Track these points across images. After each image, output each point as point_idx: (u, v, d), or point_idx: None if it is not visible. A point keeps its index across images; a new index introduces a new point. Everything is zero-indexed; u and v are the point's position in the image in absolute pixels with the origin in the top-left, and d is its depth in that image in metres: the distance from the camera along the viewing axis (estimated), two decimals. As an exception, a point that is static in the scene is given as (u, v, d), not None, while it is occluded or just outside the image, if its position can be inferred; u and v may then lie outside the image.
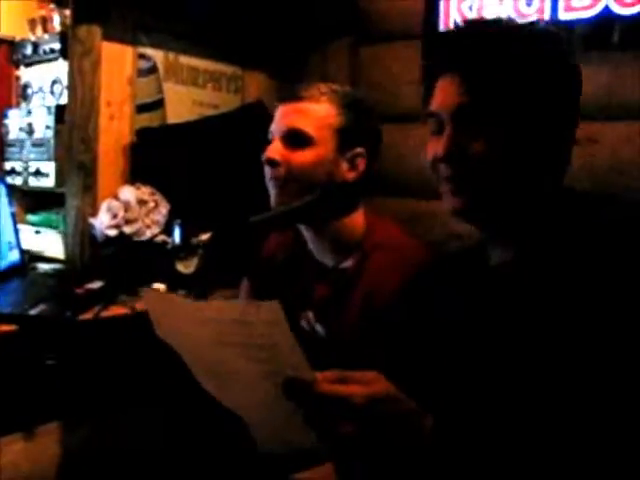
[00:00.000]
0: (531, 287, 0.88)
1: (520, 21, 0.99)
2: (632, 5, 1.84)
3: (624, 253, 0.82)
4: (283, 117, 1.33)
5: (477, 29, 0.96)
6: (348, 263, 1.34)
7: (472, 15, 2.13)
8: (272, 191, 1.34)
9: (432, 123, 0.96)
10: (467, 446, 0.79)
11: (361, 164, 1.34)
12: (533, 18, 2.01)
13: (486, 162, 0.89)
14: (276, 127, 1.34)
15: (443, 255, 1.28)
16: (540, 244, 0.92)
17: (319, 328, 1.36)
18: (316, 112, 1.31)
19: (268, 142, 1.36)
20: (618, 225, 0.87)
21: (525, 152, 0.90)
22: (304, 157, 1.30)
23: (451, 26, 2.17)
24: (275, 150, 1.32)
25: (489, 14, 2.09)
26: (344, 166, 1.33)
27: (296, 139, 1.31)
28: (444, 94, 0.93)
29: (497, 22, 0.97)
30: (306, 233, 1.39)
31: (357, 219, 1.36)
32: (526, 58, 0.90)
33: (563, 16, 1.96)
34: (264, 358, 0.81)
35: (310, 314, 1.38)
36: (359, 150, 1.34)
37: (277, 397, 0.79)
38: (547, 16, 1.98)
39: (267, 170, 1.34)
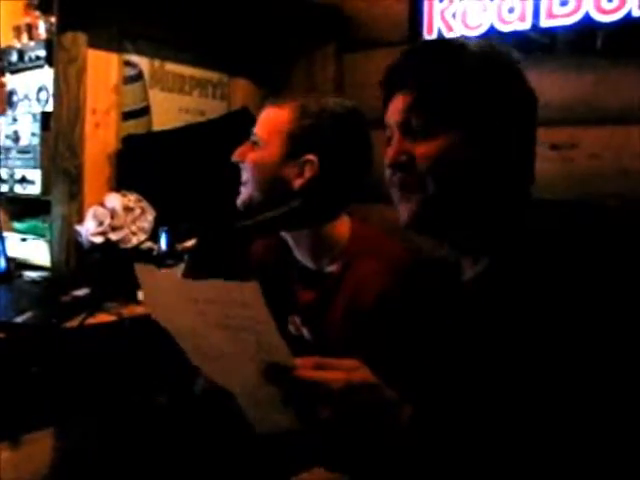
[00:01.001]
0: (501, 301, 0.89)
1: (474, 38, 1.03)
2: (612, 12, 1.86)
3: (591, 263, 0.83)
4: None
5: (423, 49, 1.03)
6: (332, 268, 1.35)
7: (455, 23, 2.16)
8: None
9: (387, 134, 1.00)
10: (442, 437, 0.80)
11: (308, 171, 1.33)
12: (515, 25, 2.04)
13: (432, 164, 0.92)
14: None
15: (422, 263, 1.30)
16: (506, 256, 0.92)
17: (305, 332, 1.37)
18: (272, 117, 1.36)
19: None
20: (587, 235, 0.87)
21: (470, 159, 0.92)
22: (250, 157, 1.37)
23: (434, 33, 2.20)
24: (240, 151, 1.39)
25: (472, 21, 2.12)
26: (292, 171, 1.33)
27: (253, 142, 1.37)
28: (395, 106, 0.98)
29: (445, 42, 1.03)
30: (290, 239, 1.40)
31: (341, 225, 1.37)
32: (469, 72, 0.94)
33: (544, 23, 1.99)
34: (246, 339, 0.82)
35: (297, 319, 1.39)
36: (309, 157, 1.33)
37: (260, 379, 0.81)
38: (529, 23, 2.01)
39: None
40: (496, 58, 0.97)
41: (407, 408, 0.82)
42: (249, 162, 1.36)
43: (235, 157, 1.39)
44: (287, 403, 0.80)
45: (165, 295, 0.89)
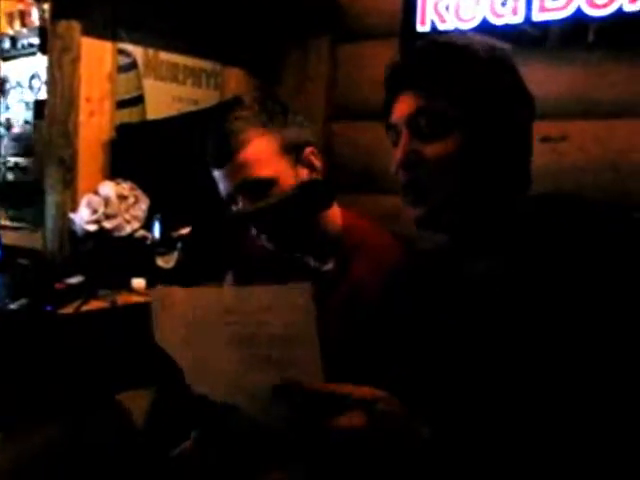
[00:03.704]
0: (508, 296, 0.90)
1: (472, 36, 1.03)
2: (604, 7, 1.88)
3: (590, 256, 0.85)
4: (232, 177, 1.27)
5: (431, 49, 1.00)
6: (329, 266, 1.34)
7: (449, 15, 2.17)
8: (264, 241, 1.32)
9: (392, 135, 0.99)
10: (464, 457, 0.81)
11: (315, 160, 1.33)
12: (508, 18, 2.05)
13: (441, 164, 0.92)
14: (231, 189, 1.28)
15: (418, 255, 1.30)
16: (510, 252, 0.93)
17: None
18: (255, 153, 1.26)
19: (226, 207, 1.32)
20: (584, 230, 0.88)
21: (478, 157, 0.93)
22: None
23: (427, 26, 2.21)
24: (243, 210, 1.27)
25: (465, 14, 2.13)
26: (304, 173, 1.31)
27: (257, 189, 1.25)
28: (401, 107, 0.96)
29: (450, 42, 1.01)
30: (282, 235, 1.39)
31: (333, 217, 1.35)
32: (478, 75, 0.95)
33: (537, 17, 2.00)
34: (269, 354, 0.79)
35: None
36: (309, 149, 1.32)
37: (269, 392, 0.78)
38: (521, 16, 2.03)
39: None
40: (501, 61, 0.98)
41: (424, 428, 0.81)
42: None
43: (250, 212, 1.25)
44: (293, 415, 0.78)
45: (186, 314, 0.85)
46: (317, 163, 1.33)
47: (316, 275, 1.35)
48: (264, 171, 1.26)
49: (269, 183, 1.26)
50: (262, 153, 1.27)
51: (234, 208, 1.31)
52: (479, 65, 0.96)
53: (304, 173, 1.31)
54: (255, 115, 1.30)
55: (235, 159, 1.26)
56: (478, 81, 0.94)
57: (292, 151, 1.29)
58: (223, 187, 1.30)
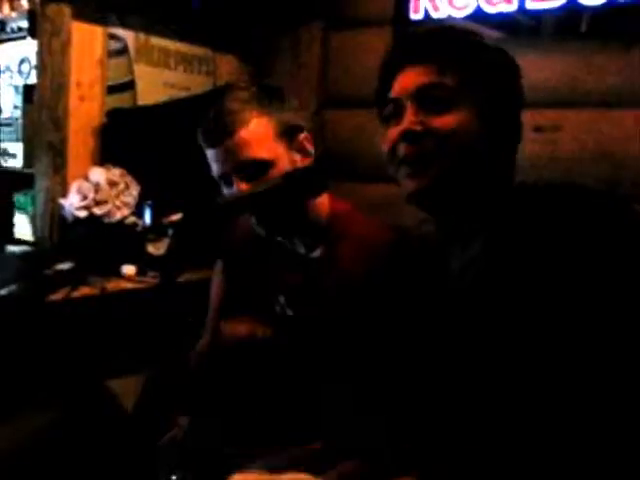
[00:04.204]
0: (495, 286, 0.89)
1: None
2: (598, -5, 1.88)
3: (578, 247, 0.85)
4: (228, 157, 1.27)
5: (442, 29, 1.04)
6: (317, 253, 1.34)
7: (442, 4, 2.16)
8: (255, 226, 1.31)
9: (389, 110, 1.00)
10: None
11: (309, 146, 1.33)
12: (502, 6, 2.04)
13: (450, 136, 0.93)
14: (227, 169, 1.27)
15: (403, 242, 1.30)
16: (497, 241, 0.93)
17: (289, 312, 1.38)
18: (254, 134, 1.25)
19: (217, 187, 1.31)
20: (572, 219, 0.88)
21: (484, 131, 0.95)
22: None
23: (421, 13, 2.20)
24: (239, 189, 1.26)
25: (459, 2, 2.12)
26: (297, 158, 1.31)
27: (254, 171, 1.25)
28: (407, 81, 0.97)
29: (452, 26, 1.05)
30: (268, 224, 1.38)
31: (320, 204, 1.35)
32: (485, 54, 1.00)
33: (530, 5, 1.99)
34: None
35: (282, 298, 1.39)
36: (303, 135, 1.33)
37: None
38: (515, 5, 2.02)
39: None
40: (504, 50, 1.02)
41: None
42: None
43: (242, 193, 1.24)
44: None
45: None
46: (310, 148, 1.33)
47: (305, 262, 1.36)
48: (262, 152, 1.26)
49: (266, 165, 1.25)
50: (260, 134, 1.26)
51: (226, 189, 1.31)
52: (487, 48, 1.00)
53: (297, 158, 1.31)
54: (253, 97, 1.29)
55: (233, 138, 1.25)
56: (486, 62, 0.98)
57: (287, 135, 1.29)
58: (218, 167, 1.29)
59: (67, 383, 1.70)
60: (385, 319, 1.17)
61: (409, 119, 0.95)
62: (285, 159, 1.28)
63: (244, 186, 1.25)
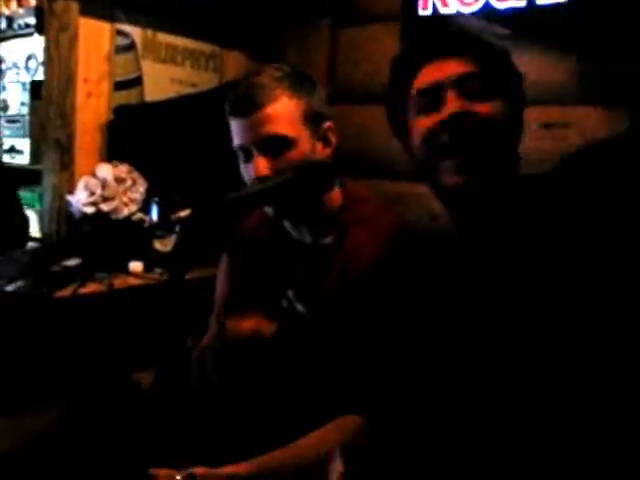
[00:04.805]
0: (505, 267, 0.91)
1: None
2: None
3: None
4: (252, 129, 1.27)
5: (463, 26, 1.13)
6: (326, 240, 1.35)
7: (451, -2, 2.14)
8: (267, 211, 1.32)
9: (422, 101, 1.00)
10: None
11: (332, 137, 1.34)
12: (511, 2, 2.03)
13: (491, 122, 0.95)
14: (248, 141, 1.28)
15: (419, 239, 1.30)
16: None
17: (299, 306, 1.37)
18: (281, 111, 1.26)
19: (234, 158, 1.32)
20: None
21: (512, 121, 1.00)
22: (291, 160, 1.26)
23: (429, 9, 2.18)
24: (264, 166, 1.26)
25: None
26: (319, 146, 1.32)
27: (276, 146, 1.26)
28: (445, 69, 0.99)
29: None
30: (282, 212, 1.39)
31: (334, 196, 1.36)
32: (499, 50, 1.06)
33: (540, 1, 1.98)
34: None
35: (290, 292, 1.39)
36: (328, 124, 1.33)
37: None
38: (524, 1, 2.00)
39: None
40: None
41: None
42: (290, 165, 1.25)
43: (268, 173, 1.26)
44: None
45: None
46: (333, 139, 1.34)
47: (313, 251, 1.36)
48: (286, 130, 1.26)
49: (289, 143, 1.26)
50: (288, 113, 1.27)
51: (242, 163, 1.31)
52: (504, 51, 1.06)
53: (319, 146, 1.32)
54: (286, 77, 1.30)
55: (261, 111, 1.26)
56: (505, 59, 1.04)
57: (313, 120, 1.30)
58: (240, 138, 1.30)
59: (74, 380, 1.70)
60: (392, 304, 1.17)
61: (454, 104, 0.95)
62: (307, 143, 1.29)
63: (262, 160, 1.26)
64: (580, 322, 0.80)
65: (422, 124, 0.99)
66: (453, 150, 0.95)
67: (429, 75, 0.99)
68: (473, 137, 0.94)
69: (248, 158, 1.29)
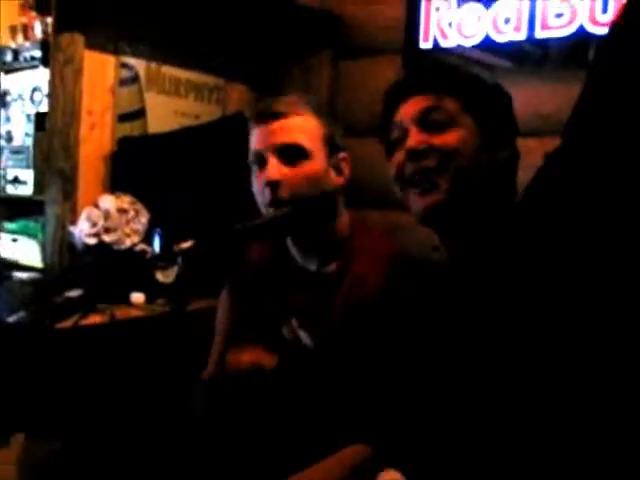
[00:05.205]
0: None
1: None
2: (606, 25, 1.88)
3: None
4: (273, 135, 1.30)
5: (440, 63, 1.16)
6: (331, 267, 1.35)
7: (451, 32, 2.17)
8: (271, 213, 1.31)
9: (395, 134, 1.08)
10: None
11: (346, 168, 1.37)
12: (510, 35, 2.06)
13: (452, 152, 1.01)
14: (267, 146, 1.30)
15: (418, 261, 1.33)
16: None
17: (303, 335, 1.37)
18: (305, 125, 1.31)
19: (246, 164, 1.35)
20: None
21: (484, 150, 1.03)
22: (305, 172, 1.29)
23: (430, 42, 2.21)
24: (276, 170, 1.28)
25: (468, 31, 2.14)
26: (332, 173, 1.34)
27: (293, 155, 1.29)
28: (409, 107, 1.06)
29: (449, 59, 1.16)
30: (289, 241, 1.40)
31: (342, 224, 1.37)
32: (478, 79, 1.10)
33: (539, 34, 2.01)
34: None
35: (294, 321, 1.38)
36: (343, 155, 1.37)
37: None
38: (524, 34, 2.03)
39: (267, 192, 1.29)
40: (499, 85, 1.11)
41: None
42: (301, 178, 1.28)
43: (278, 178, 1.27)
44: None
45: None
46: (346, 170, 1.37)
47: (317, 277, 1.36)
48: (306, 142, 1.30)
49: (306, 154, 1.30)
50: (310, 129, 1.32)
51: (256, 171, 1.33)
52: (481, 77, 1.10)
53: (332, 173, 1.34)
54: (312, 101, 1.37)
55: (285, 120, 1.30)
56: (482, 88, 1.08)
57: (331, 147, 1.34)
58: (259, 143, 1.32)
59: (75, 411, 1.69)
60: (394, 333, 1.18)
61: (413, 139, 1.03)
62: (323, 163, 1.32)
63: (277, 164, 1.29)
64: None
65: (395, 157, 1.07)
66: (415, 181, 1.03)
67: (400, 113, 1.07)
68: (432, 168, 1.01)
69: (262, 165, 1.31)
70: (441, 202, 1.01)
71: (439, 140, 1.01)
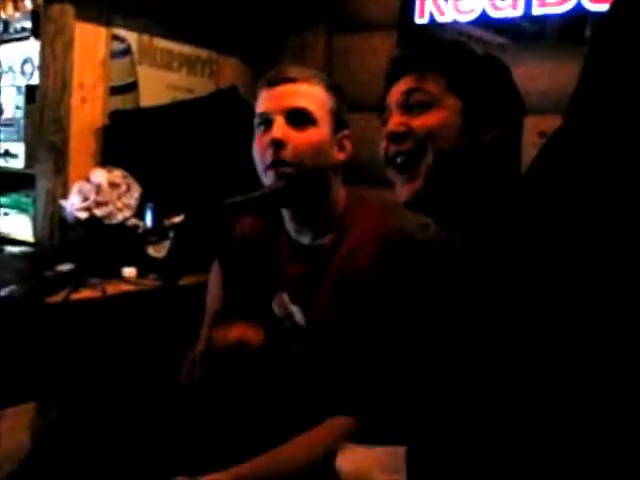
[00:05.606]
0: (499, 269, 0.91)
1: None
2: (604, 1, 1.87)
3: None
4: (282, 97, 1.30)
5: (429, 40, 1.15)
6: (324, 240, 1.34)
7: (447, 8, 2.15)
8: (270, 176, 1.30)
9: (383, 117, 1.08)
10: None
11: (348, 145, 1.37)
12: (507, 11, 2.04)
13: (429, 134, 1.00)
14: (275, 108, 1.30)
15: (413, 236, 1.33)
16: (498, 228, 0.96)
17: (294, 309, 1.36)
18: (314, 93, 1.31)
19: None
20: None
21: (470, 130, 1.01)
22: (310, 137, 1.29)
23: (426, 18, 2.19)
24: (282, 130, 1.27)
25: (464, 7, 2.11)
26: (335, 148, 1.34)
27: (300, 119, 1.29)
28: (394, 91, 1.06)
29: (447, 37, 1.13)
30: (285, 212, 1.39)
31: (338, 199, 1.37)
32: (467, 56, 1.06)
33: (536, 11, 1.99)
34: None
35: (285, 296, 1.38)
36: (346, 132, 1.37)
37: None
38: (521, 10, 2.01)
39: (270, 152, 1.28)
40: (496, 61, 1.08)
41: None
42: (306, 142, 1.28)
43: (283, 137, 1.27)
44: None
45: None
46: (348, 147, 1.37)
47: (310, 250, 1.36)
48: (314, 108, 1.30)
49: (313, 120, 1.30)
50: (319, 97, 1.32)
51: (260, 132, 1.32)
52: (473, 53, 1.07)
53: (335, 149, 1.35)
54: (324, 76, 1.37)
55: (295, 84, 1.31)
56: (472, 66, 1.04)
57: (337, 121, 1.34)
58: (267, 105, 1.32)
59: (65, 386, 1.69)
60: (386, 307, 1.19)
61: (393, 121, 1.04)
62: (328, 133, 1.32)
63: (283, 126, 1.28)
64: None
65: (383, 142, 1.07)
66: (397, 165, 1.03)
67: (390, 94, 1.07)
68: (409, 150, 1.01)
69: (267, 127, 1.30)
70: (420, 189, 1.01)
71: (418, 122, 1.01)
